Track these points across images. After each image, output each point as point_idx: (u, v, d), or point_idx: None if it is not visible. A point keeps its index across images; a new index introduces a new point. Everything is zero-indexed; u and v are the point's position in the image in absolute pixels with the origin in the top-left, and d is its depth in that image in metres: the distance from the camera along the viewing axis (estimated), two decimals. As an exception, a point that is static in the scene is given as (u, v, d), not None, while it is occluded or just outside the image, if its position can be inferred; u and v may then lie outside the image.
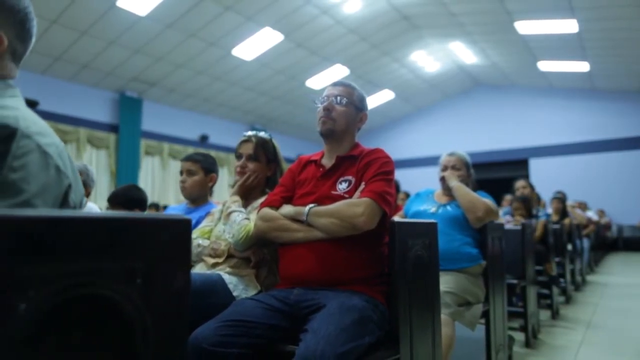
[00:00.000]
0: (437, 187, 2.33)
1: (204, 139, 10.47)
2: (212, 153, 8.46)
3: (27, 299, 0.47)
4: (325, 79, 9.97)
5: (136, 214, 0.58)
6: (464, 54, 10.07)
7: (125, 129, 8.84)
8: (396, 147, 12.81)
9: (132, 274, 0.57)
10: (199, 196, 2.03)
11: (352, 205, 1.26)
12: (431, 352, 1.34)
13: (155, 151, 9.52)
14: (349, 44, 8.81)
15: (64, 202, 0.68)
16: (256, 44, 8.12)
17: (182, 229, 0.62)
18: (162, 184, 9.64)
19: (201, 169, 2.02)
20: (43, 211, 0.59)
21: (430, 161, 12.36)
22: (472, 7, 7.71)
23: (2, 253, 0.46)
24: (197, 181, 2.00)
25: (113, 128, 8.77)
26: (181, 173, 2.04)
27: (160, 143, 9.62)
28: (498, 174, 11.22)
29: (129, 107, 8.95)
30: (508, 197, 5.34)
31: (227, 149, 10.84)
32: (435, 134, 12.76)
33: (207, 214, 1.79)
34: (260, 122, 11.72)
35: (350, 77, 10.04)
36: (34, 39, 0.78)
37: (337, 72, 9.83)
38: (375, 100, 11.51)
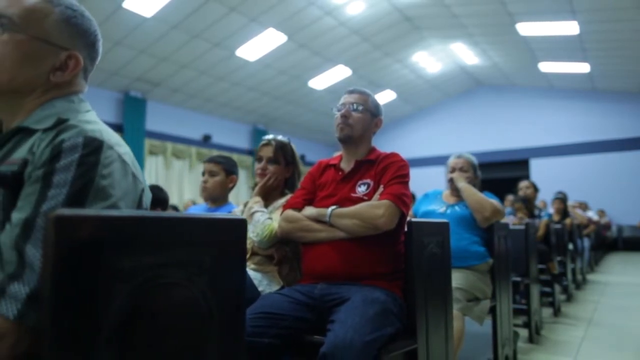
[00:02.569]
0: (439, 187, 2.42)
1: (207, 138, 10.54)
2: (215, 153, 8.52)
3: (123, 287, 0.56)
4: (327, 80, 10.05)
5: (206, 214, 0.67)
6: (466, 55, 10.15)
7: (129, 129, 8.92)
8: (398, 147, 12.85)
9: (201, 266, 0.65)
10: (219, 196, 2.12)
11: (373, 207, 1.34)
12: (444, 344, 1.43)
13: (158, 151, 9.60)
14: (351, 45, 8.88)
15: (139, 205, 0.77)
16: (260, 45, 8.19)
17: (239, 228, 0.71)
18: (165, 183, 9.71)
19: (222, 170, 2.11)
20: (131, 212, 0.67)
21: (432, 161, 12.45)
22: (473, 9, 7.78)
23: (105, 247, 0.54)
24: (219, 182, 2.10)
25: (117, 128, 8.84)
26: (203, 174, 2.13)
27: (163, 143, 9.70)
28: (499, 174, 11.28)
29: (133, 107, 9.03)
30: (510, 198, 5.41)
31: (229, 149, 10.91)
32: (436, 135, 12.83)
33: (228, 214, 1.87)
34: (263, 121, 11.80)
35: (353, 77, 10.12)
36: (99, 57, 0.87)
37: (340, 73, 9.90)
38: (377, 101, 11.57)
